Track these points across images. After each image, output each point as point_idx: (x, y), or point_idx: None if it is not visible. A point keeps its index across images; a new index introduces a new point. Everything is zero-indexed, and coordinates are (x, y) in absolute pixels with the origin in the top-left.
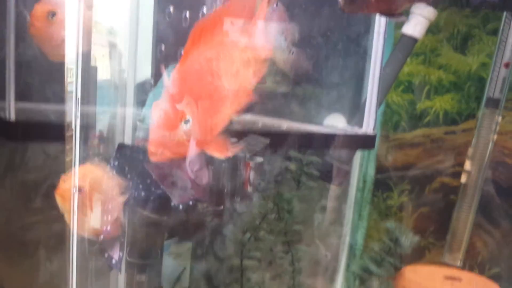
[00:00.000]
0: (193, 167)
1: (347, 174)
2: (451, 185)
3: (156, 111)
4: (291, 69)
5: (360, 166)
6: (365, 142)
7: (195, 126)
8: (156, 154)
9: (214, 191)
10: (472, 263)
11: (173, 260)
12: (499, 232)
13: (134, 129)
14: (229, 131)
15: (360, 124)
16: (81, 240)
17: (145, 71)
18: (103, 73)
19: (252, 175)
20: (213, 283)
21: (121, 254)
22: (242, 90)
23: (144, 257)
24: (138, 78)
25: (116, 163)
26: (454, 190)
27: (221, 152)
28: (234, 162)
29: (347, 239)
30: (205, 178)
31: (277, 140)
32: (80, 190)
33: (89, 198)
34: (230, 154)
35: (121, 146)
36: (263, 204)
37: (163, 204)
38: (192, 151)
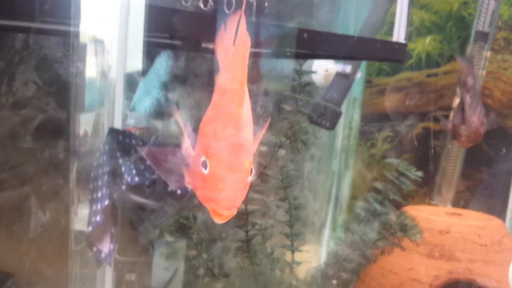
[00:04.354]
0: (189, 154)
1: (338, 117)
2: (433, 129)
3: (223, 177)
4: None
5: (346, 112)
6: (397, 51)
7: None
8: (227, 216)
9: None
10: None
11: (165, 261)
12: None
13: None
14: None
15: None
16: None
17: (136, 61)
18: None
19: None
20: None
21: (111, 247)
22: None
23: (136, 253)
24: (128, 68)
25: (107, 147)
26: (436, 135)
27: None
28: None
29: (333, 189)
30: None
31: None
32: None
33: None
34: None
35: (112, 131)
36: (277, 136)
37: (159, 189)
38: (189, 137)
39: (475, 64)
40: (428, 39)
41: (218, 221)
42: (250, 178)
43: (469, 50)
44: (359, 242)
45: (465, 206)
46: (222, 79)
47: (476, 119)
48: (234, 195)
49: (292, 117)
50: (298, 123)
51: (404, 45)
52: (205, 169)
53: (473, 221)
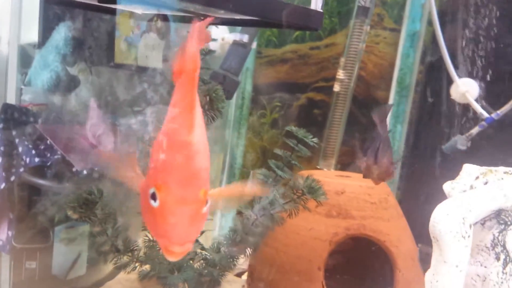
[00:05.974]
0: (95, 132)
1: (237, 86)
2: (315, 99)
3: (176, 211)
4: None
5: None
6: (314, 19)
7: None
8: (180, 253)
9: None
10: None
11: (66, 246)
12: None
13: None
14: None
15: None
16: None
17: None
18: None
19: None
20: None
21: (9, 233)
22: None
23: (36, 239)
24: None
25: (1, 126)
26: (319, 104)
27: None
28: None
29: (227, 158)
30: (110, 143)
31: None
32: None
33: None
34: None
35: (6, 107)
36: None
37: (62, 170)
38: (94, 114)
39: (358, 40)
40: None
41: (171, 258)
42: (206, 209)
43: (351, 24)
44: (268, 206)
45: (342, 169)
46: (172, 105)
47: (386, 160)
48: (187, 229)
49: (205, 85)
50: (215, 90)
51: (321, 13)
52: (155, 201)
53: (363, 182)
